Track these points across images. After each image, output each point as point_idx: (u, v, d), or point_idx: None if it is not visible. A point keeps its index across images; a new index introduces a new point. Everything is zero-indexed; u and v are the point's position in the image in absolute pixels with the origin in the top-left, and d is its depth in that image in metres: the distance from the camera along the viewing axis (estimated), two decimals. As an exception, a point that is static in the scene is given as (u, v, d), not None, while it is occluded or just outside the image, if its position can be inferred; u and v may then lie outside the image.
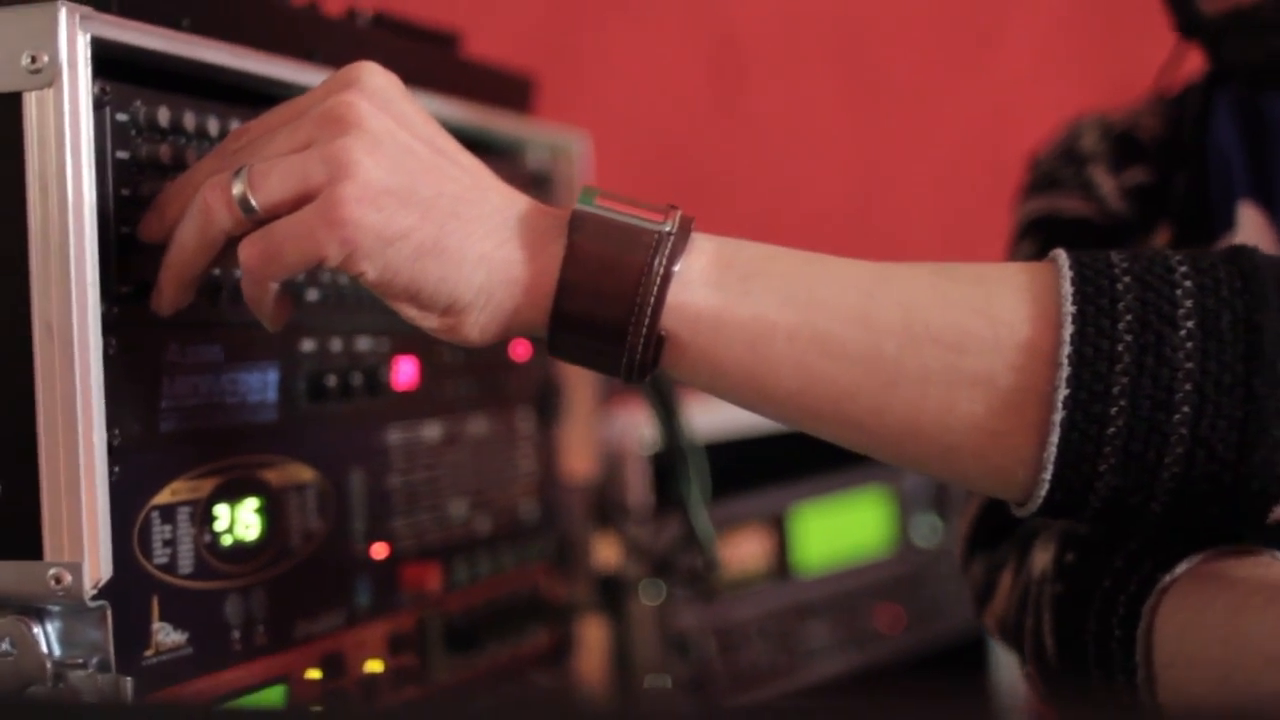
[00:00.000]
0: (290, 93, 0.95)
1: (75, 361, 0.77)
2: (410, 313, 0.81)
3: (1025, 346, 0.77)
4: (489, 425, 1.17)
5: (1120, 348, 0.76)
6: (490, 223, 0.80)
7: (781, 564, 1.55)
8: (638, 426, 1.38)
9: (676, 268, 0.79)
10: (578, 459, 1.29)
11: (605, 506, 1.32)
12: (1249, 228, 1.11)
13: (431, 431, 1.10)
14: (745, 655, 1.48)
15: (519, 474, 1.21)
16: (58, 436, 0.78)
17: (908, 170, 2.29)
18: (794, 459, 1.57)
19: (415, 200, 0.79)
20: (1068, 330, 0.76)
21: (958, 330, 0.78)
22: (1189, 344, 0.76)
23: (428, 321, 0.81)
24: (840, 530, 1.62)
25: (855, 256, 0.83)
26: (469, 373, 1.15)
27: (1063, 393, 0.76)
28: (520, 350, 1.22)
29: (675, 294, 0.79)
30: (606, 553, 1.32)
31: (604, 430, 1.34)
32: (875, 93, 2.29)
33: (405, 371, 1.07)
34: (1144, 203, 1.17)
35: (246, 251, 0.80)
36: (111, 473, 0.80)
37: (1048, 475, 0.77)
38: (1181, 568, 0.82)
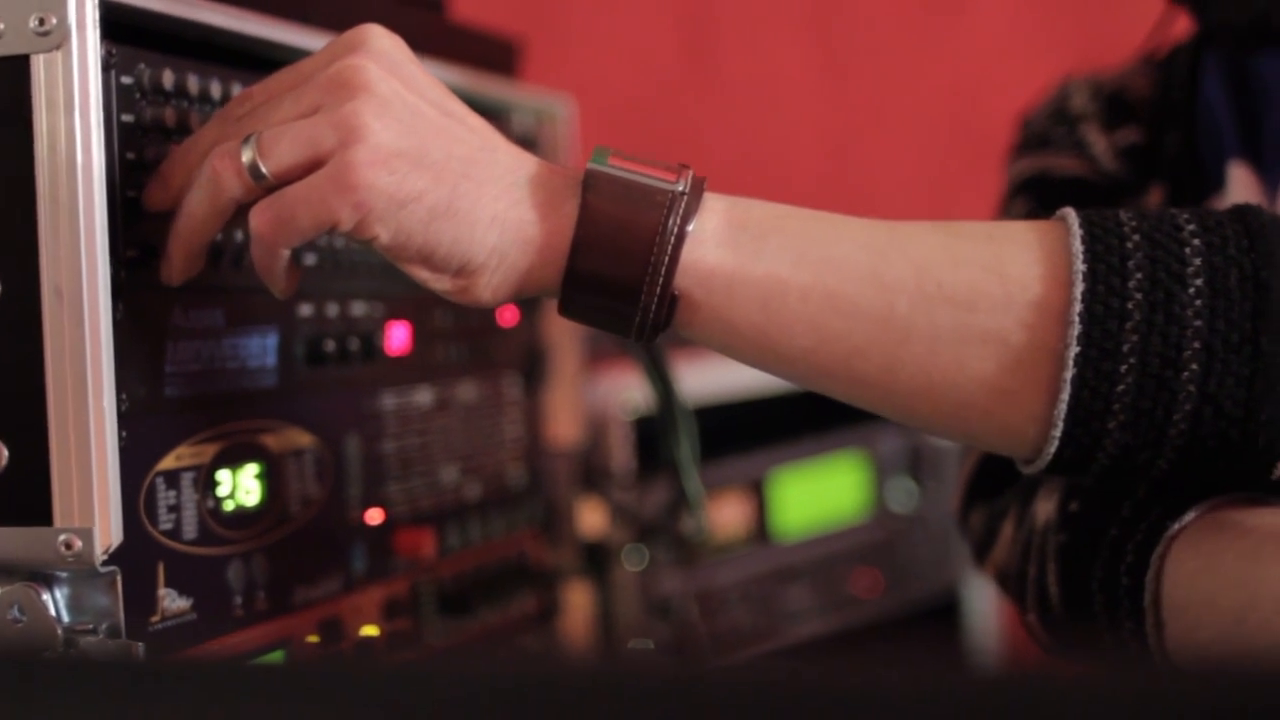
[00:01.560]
0: (288, 55, 0.95)
1: (85, 326, 0.77)
2: (423, 275, 0.80)
3: (1036, 304, 0.77)
4: (477, 390, 1.17)
5: (1130, 305, 0.76)
6: (502, 183, 0.80)
7: (761, 529, 1.55)
8: (621, 391, 1.38)
9: (690, 227, 0.79)
10: (562, 424, 1.29)
11: (590, 472, 1.32)
12: (1239, 187, 1.12)
13: (423, 397, 1.10)
14: (726, 619, 1.48)
15: (506, 439, 1.21)
16: (67, 402, 0.77)
17: (879, 134, 2.30)
18: (772, 424, 1.58)
19: (426, 162, 0.78)
20: (1079, 288, 0.77)
21: (969, 288, 0.78)
22: (1198, 302, 0.77)
23: (440, 284, 0.80)
24: (818, 495, 1.63)
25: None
26: (458, 338, 1.15)
27: (1074, 350, 0.76)
28: (507, 315, 1.22)
29: (689, 253, 0.79)
30: (591, 518, 1.32)
31: (588, 395, 1.34)
32: (846, 57, 2.29)
33: (398, 336, 1.07)
34: (1136, 162, 1.17)
35: (258, 219, 0.79)
36: (119, 438, 0.79)
37: (1058, 432, 0.78)
38: (1191, 515, 0.83)
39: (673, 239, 0.78)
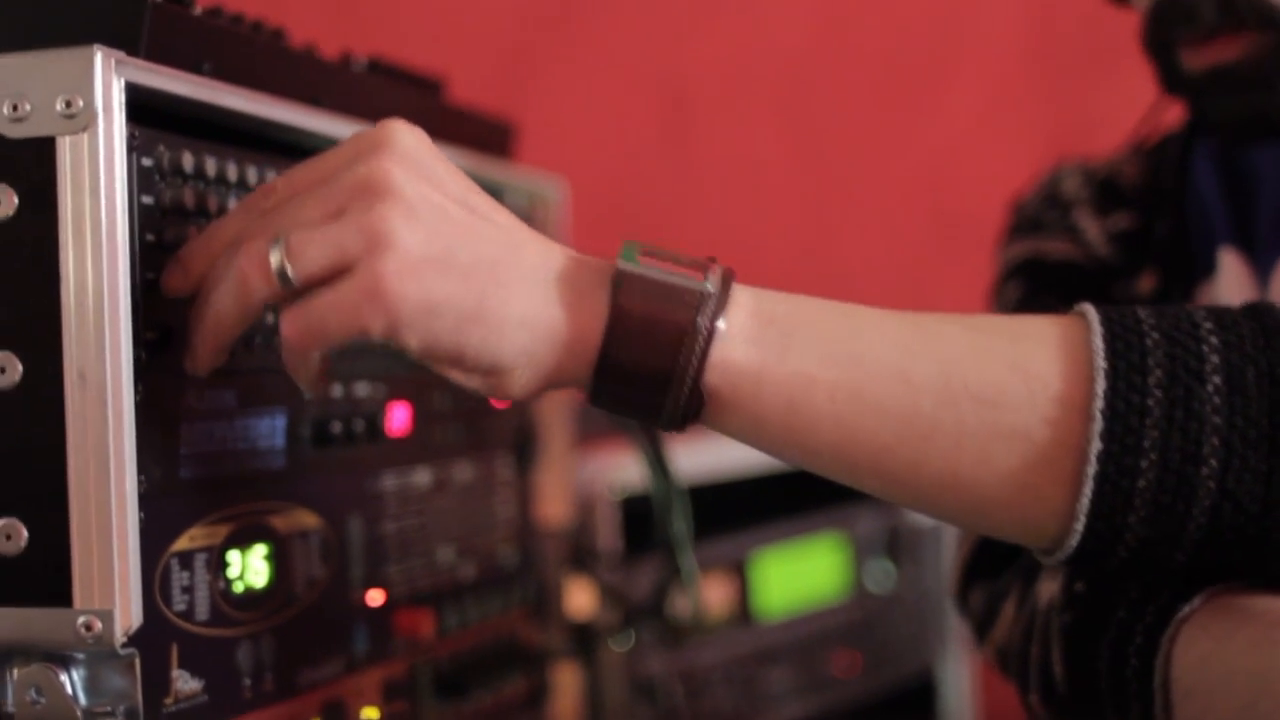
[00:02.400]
0: (300, 138, 0.96)
1: (109, 409, 0.77)
2: (454, 374, 0.80)
3: (1060, 401, 0.79)
4: (473, 470, 1.17)
5: (1151, 402, 0.78)
6: (530, 281, 0.79)
7: (744, 609, 1.56)
8: (609, 471, 1.39)
9: (720, 325, 0.79)
10: (553, 504, 1.29)
11: (578, 552, 1.32)
12: (1230, 272, 1.13)
13: (422, 477, 1.10)
14: (709, 700, 1.48)
15: (499, 519, 1.21)
16: (89, 484, 0.77)
17: (853, 214, 2.32)
18: (752, 505, 1.59)
19: (454, 267, 0.78)
20: (1101, 385, 0.78)
21: (994, 386, 0.79)
22: (1216, 399, 0.78)
23: (471, 382, 0.81)
24: (798, 576, 1.63)
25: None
26: (455, 418, 1.15)
27: (1096, 445, 0.77)
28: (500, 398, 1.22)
29: (717, 351, 0.79)
30: (580, 599, 1.32)
31: (577, 475, 1.35)
32: (821, 139, 2.32)
33: (399, 417, 1.07)
34: (1128, 247, 1.19)
35: (288, 328, 0.79)
36: (139, 520, 0.79)
37: (1080, 525, 0.79)
38: (1200, 598, 0.84)
39: (703, 339, 0.79)
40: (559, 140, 2.18)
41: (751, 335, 0.80)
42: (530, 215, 1.27)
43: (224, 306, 0.80)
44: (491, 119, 1.27)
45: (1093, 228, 1.21)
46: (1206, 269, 1.16)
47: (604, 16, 2.24)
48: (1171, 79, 1.11)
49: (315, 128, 0.96)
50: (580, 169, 2.19)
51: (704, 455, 1.43)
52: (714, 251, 0.84)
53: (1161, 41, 1.08)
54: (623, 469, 1.36)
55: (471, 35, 2.16)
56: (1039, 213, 1.24)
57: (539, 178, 1.28)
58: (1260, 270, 1.13)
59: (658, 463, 1.21)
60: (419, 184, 0.79)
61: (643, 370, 0.79)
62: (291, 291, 0.78)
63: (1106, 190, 1.23)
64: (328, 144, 0.97)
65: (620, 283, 0.79)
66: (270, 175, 0.92)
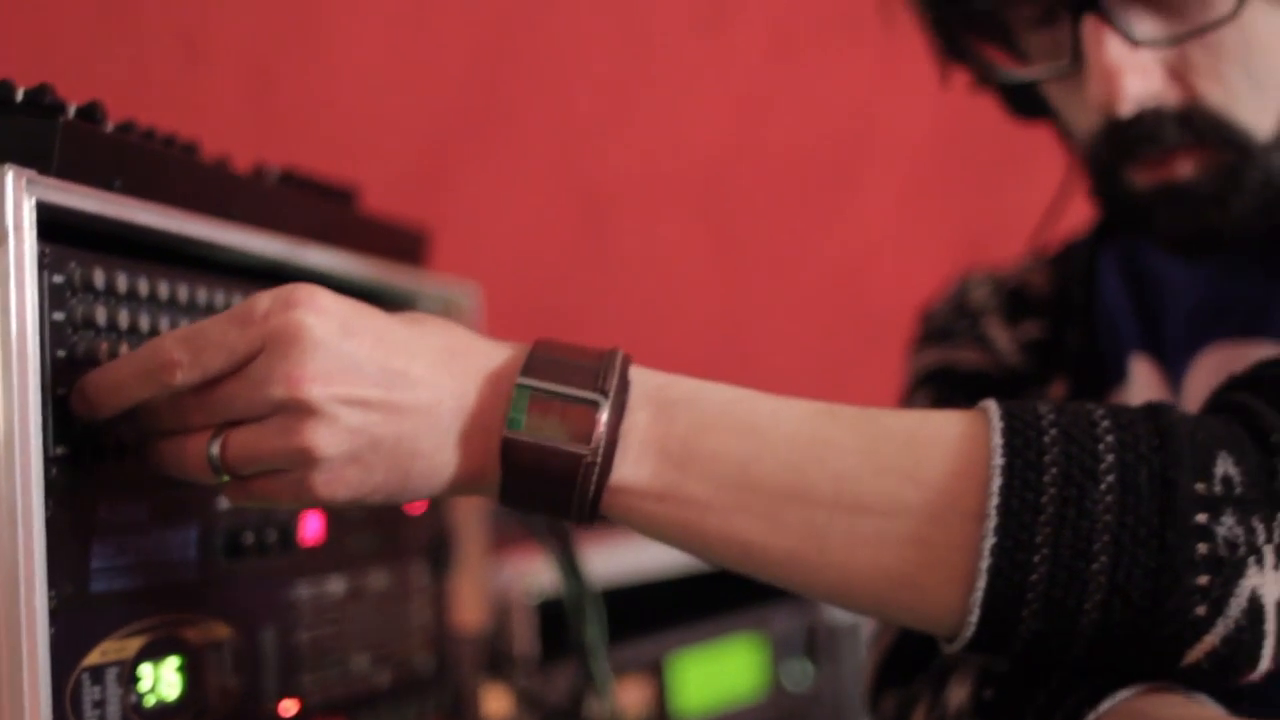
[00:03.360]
0: (211, 251, 0.97)
1: (19, 526, 0.77)
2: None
3: (954, 507, 0.81)
4: (387, 578, 1.18)
5: (1044, 499, 0.80)
6: (449, 436, 0.84)
7: (662, 712, 1.56)
8: (525, 575, 1.39)
9: (609, 478, 0.83)
10: (468, 610, 1.29)
11: (495, 657, 1.32)
12: (1141, 379, 1.16)
13: (336, 586, 1.10)
14: (628, 804, 1.48)
15: (414, 626, 1.21)
16: (-2, 600, 0.77)
17: (770, 313, 2.35)
18: (669, 607, 1.59)
19: (379, 456, 0.82)
20: (996, 483, 0.80)
21: (887, 496, 0.82)
22: (1108, 497, 0.80)
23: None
24: (716, 677, 1.64)
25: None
26: (369, 527, 1.15)
27: (989, 542, 0.80)
28: (416, 505, 1.23)
29: (612, 480, 0.83)
30: (496, 704, 1.32)
31: (493, 580, 1.35)
32: (737, 239, 2.35)
33: (312, 527, 1.08)
34: (1038, 356, 1.21)
35: (232, 496, 0.85)
36: (49, 635, 0.79)
37: (974, 619, 0.81)
38: (1105, 705, 0.85)
39: (594, 487, 0.83)
40: (478, 243, 2.20)
41: (646, 462, 0.84)
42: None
43: (168, 472, 0.86)
44: (404, 227, 1.29)
45: (1002, 337, 1.23)
46: (1118, 376, 1.18)
47: (521, 120, 2.26)
48: (1114, 195, 1.09)
49: (227, 241, 0.97)
50: (500, 271, 2.21)
51: (619, 557, 1.44)
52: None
53: (1109, 160, 1.07)
54: (539, 573, 1.36)
55: (388, 141, 2.17)
56: (948, 322, 1.27)
57: (452, 284, 1.29)
58: (1172, 376, 1.15)
59: (569, 566, 1.22)
60: (333, 385, 0.81)
61: (542, 505, 0.85)
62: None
63: (1015, 299, 1.25)
64: (240, 257, 0.99)
65: (507, 454, 0.83)
66: (182, 290, 0.93)
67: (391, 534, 1.19)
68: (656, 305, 2.30)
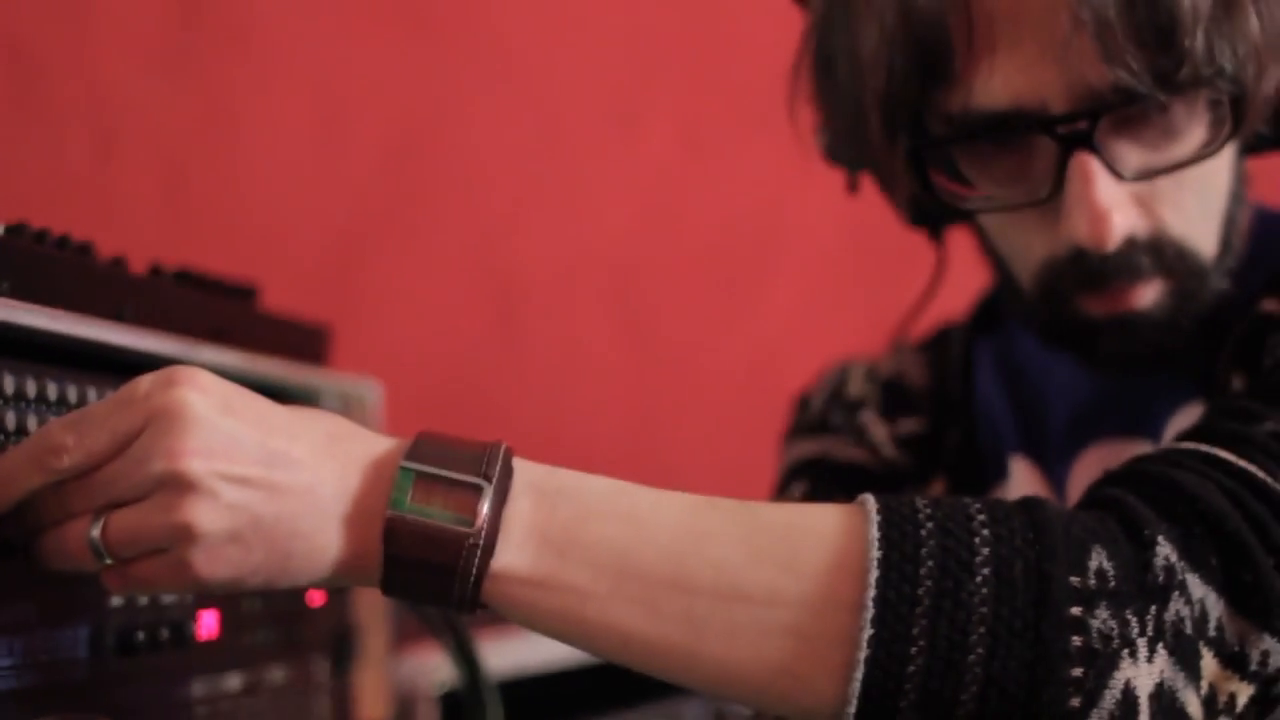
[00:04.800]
0: (103, 352, 0.98)
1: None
2: None
3: (832, 598, 0.83)
4: (287, 673, 1.18)
5: (921, 591, 0.82)
6: (331, 518, 0.84)
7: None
8: (429, 668, 1.40)
9: (490, 562, 0.84)
10: (371, 704, 1.30)
11: (399, 751, 1.33)
12: (1021, 479, 1.18)
13: (232, 683, 1.11)
14: None
15: (315, 721, 1.22)
16: (-122, 703, 0.77)
17: (682, 403, 2.37)
18: (578, 700, 1.59)
19: (259, 535, 0.83)
20: (873, 575, 0.82)
21: (766, 587, 0.83)
22: (984, 590, 0.82)
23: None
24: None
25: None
26: (268, 621, 1.16)
27: (867, 633, 0.81)
28: (316, 596, 1.23)
29: (493, 566, 0.84)
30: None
31: (396, 673, 1.36)
32: (648, 329, 2.37)
33: (207, 623, 1.08)
34: (917, 453, 1.23)
35: (110, 582, 0.85)
36: (-70, 738, 0.80)
37: (851, 710, 0.82)
38: None
39: (474, 575, 0.84)
40: (390, 338, 2.21)
41: (526, 551, 0.85)
42: (346, 416, 1.29)
43: (50, 563, 0.86)
44: (306, 324, 1.30)
45: (880, 432, 1.25)
46: (998, 474, 1.20)
47: (432, 211, 2.28)
48: (1058, 321, 1.09)
49: (118, 342, 0.98)
50: (411, 362, 2.23)
51: (523, 649, 1.44)
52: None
53: (1067, 288, 1.06)
54: (443, 665, 1.37)
55: (301, 237, 2.19)
56: (825, 413, 1.28)
57: (353, 381, 1.31)
58: (1054, 477, 1.17)
59: (464, 658, 1.23)
60: (213, 461, 0.82)
61: (421, 592, 0.86)
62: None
63: (892, 392, 1.27)
64: (133, 357, 0.99)
65: (390, 535, 0.84)
66: (71, 391, 0.94)
67: (292, 628, 1.19)
68: (569, 398, 2.31)
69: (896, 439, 1.24)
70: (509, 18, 2.32)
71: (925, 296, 1.25)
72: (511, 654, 1.43)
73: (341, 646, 1.26)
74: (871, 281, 2.37)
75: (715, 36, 2.38)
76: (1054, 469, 1.17)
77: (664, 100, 2.39)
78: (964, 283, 1.27)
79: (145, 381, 0.83)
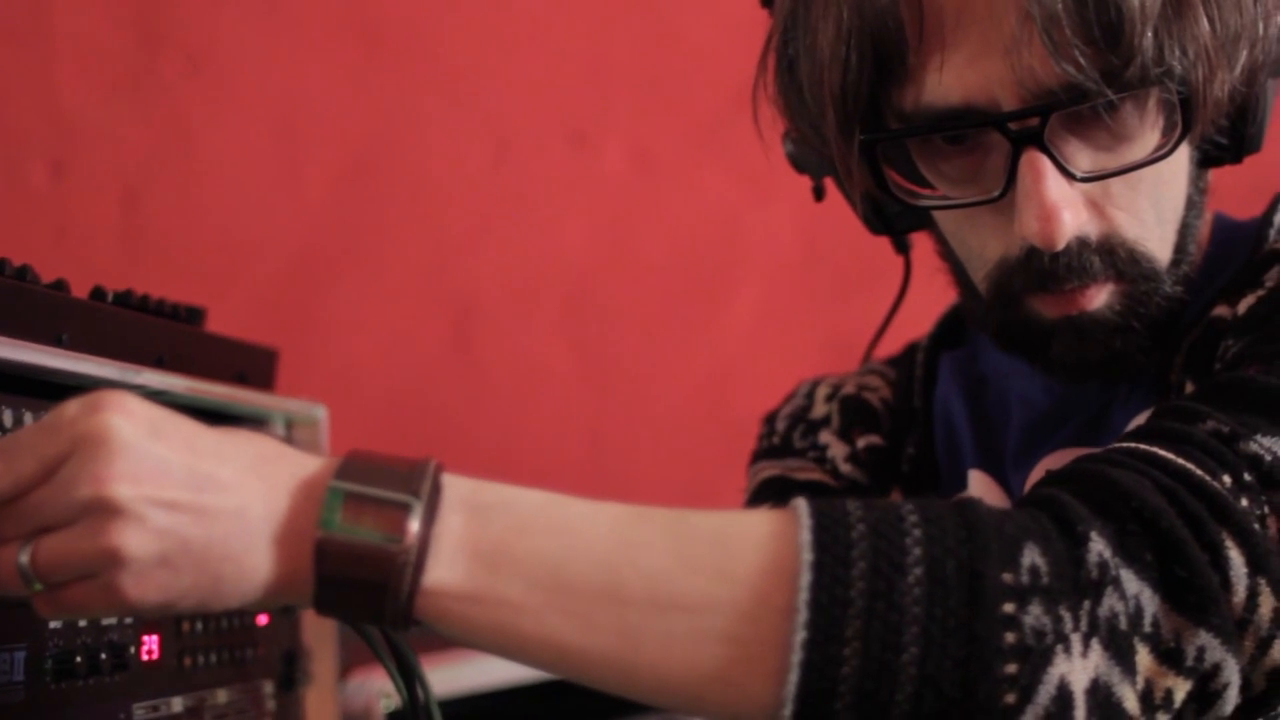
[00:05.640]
0: (43, 376, 0.98)
1: None
2: None
3: (765, 603, 0.83)
4: (232, 696, 1.18)
5: (854, 593, 0.82)
6: (261, 540, 0.84)
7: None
8: (378, 690, 1.40)
9: (421, 578, 0.84)
10: (319, 725, 1.30)
11: (347, 772, 1.32)
12: (978, 491, 1.18)
13: (176, 706, 1.11)
14: None
15: (261, 743, 1.22)
16: None
17: (638, 420, 2.37)
18: (523, 717, 1.59)
19: (188, 559, 0.82)
20: (805, 578, 0.82)
21: (699, 595, 0.83)
22: (916, 589, 0.82)
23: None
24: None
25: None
26: (213, 643, 1.16)
27: (800, 636, 0.81)
28: (262, 616, 1.23)
29: (425, 582, 0.84)
30: (348, 819, 1.32)
31: (344, 694, 1.36)
32: (605, 348, 2.38)
33: (148, 646, 1.08)
34: (875, 466, 1.23)
35: (42, 607, 0.84)
36: None
37: (787, 713, 0.82)
38: None
39: (407, 592, 0.84)
40: (346, 356, 2.22)
41: (458, 565, 0.84)
42: (294, 439, 1.29)
43: None
44: (253, 347, 1.30)
45: (839, 449, 1.25)
46: (956, 487, 1.20)
47: (388, 232, 2.29)
48: (1011, 322, 1.08)
49: (55, 365, 0.98)
50: (368, 382, 2.23)
51: (471, 670, 1.44)
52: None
53: (1019, 288, 1.05)
54: (392, 686, 1.37)
55: (254, 257, 2.19)
56: (786, 432, 1.29)
57: (301, 403, 1.31)
58: (1012, 491, 1.17)
59: (406, 677, 1.23)
60: (141, 486, 0.82)
61: (353, 610, 0.85)
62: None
63: (853, 410, 1.27)
64: (73, 380, 0.99)
65: (321, 555, 0.83)
66: (8, 415, 0.94)
67: (237, 650, 1.19)
68: (525, 416, 2.32)
69: (855, 454, 1.24)
70: (463, 41, 2.33)
71: (893, 310, 1.26)
72: (460, 675, 1.43)
73: (288, 668, 1.26)
74: (826, 299, 2.38)
75: (668, 56, 2.39)
76: (1012, 481, 1.18)
77: (617, 120, 2.40)
78: (940, 300, 1.26)
79: (72, 407, 0.83)
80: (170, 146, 2.16)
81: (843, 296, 2.32)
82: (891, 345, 1.32)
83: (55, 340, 1.00)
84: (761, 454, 1.31)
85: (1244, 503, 0.90)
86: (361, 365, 2.24)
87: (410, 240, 2.30)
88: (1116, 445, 0.95)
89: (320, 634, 1.30)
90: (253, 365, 1.29)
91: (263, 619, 1.23)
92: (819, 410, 1.29)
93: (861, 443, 1.25)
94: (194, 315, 1.23)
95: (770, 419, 1.33)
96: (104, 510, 0.81)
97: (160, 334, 1.15)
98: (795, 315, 2.42)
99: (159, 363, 1.11)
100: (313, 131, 2.22)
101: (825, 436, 1.27)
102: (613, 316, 2.38)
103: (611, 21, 2.39)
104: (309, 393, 1.33)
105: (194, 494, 0.83)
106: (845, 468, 1.24)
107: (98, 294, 1.10)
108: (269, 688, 1.23)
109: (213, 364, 1.20)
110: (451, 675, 1.40)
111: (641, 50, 2.40)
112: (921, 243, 1.20)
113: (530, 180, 2.35)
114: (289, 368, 1.38)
